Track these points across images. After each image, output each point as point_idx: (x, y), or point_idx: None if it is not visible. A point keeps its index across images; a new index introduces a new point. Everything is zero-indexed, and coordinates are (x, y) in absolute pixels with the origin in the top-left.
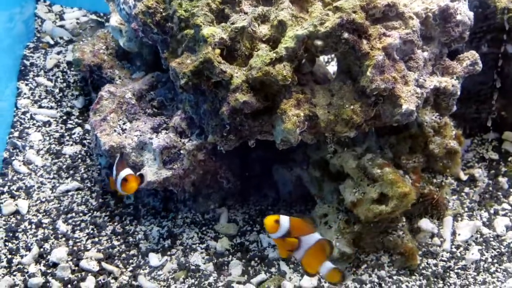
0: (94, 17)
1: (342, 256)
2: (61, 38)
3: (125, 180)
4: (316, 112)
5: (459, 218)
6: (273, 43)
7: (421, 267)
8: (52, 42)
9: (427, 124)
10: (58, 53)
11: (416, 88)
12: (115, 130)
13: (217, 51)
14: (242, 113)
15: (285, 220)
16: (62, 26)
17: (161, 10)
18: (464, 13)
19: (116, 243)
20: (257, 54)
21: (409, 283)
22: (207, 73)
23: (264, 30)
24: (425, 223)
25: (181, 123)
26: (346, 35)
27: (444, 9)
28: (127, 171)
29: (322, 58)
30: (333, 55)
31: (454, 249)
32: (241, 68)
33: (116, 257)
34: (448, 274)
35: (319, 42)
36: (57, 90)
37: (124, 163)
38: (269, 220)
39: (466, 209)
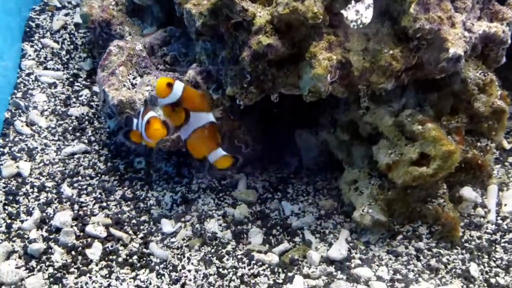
0: None
1: (375, 224)
2: (69, 2)
3: (148, 123)
4: (350, 59)
5: (505, 188)
6: None
7: (463, 240)
8: (59, 6)
9: (471, 80)
10: (66, 15)
11: (464, 32)
12: (124, 85)
13: None
14: (265, 60)
15: (179, 86)
16: None
17: None
18: None
19: (125, 208)
20: None
21: (450, 256)
22: (226, 12)
23: None
24: (468, 192)
25: (196, 76)
26: None
27: None
28: (151, 113)
29: None
30: None
31: (500, 221)
32: (264, 8)
33: (125, 223)
34: (493, 248)
35: None
36: (63, 52)
37: (149, 109)
38: (161, 82)
39: (511, 178)
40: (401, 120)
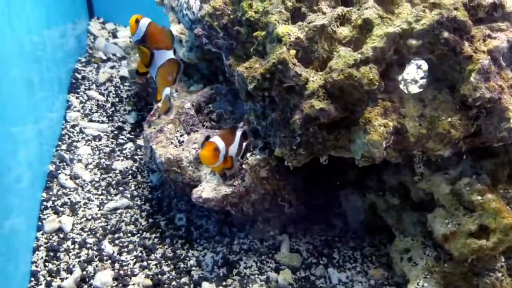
0: None
1: None
2: (114, 55)
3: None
4: (405, 125)
5: None
6: (354, 47)
7: None
8: (104, 58)
9: None
10: (112, 67)
11: None
12: (171, 142)
13: (292, 52)
14: (316, 123)
15: (145, 21)
16: (115, 44)
17: (229, 12)
18: None
19: (166, 268)
20: (339, 55)
21: None
22: (279, 77)
23: (344, 31)
24: None
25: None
26: (445, 34)
27: None
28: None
29: None
30: None
31: None
32: (317, 72)
33: (165, 285)
34: None
35: (413, 42)
36: (109, 105)
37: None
38: (131, 18)
39: None
40: (459, 188)
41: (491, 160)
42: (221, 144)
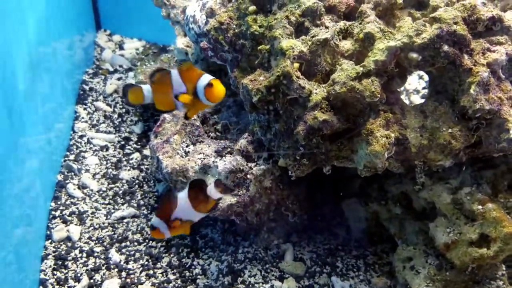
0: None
1: None
2: (120, 66)
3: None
4: (407, 135)
5: None
6: (356, 60)
7: None
8: (111, 69)
9: None
10: (119, 79)
11: None
12: (177, 153)
13: (296, 65)
14: (319, 134)
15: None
16: (121, 55)
17: (234, 26)
18: None
19: (171, 277)
20: (341, 68)
21: None
22: (283, 89)
23: (346, 45)
24: None
25: (247, 146)
26: (446, 47)
27: None
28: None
29: None
30: None
31: None
32: (320, 85)
33: None
34: None
35: (414, 55)
36: (115, 116)
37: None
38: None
39: None
40: (460, 198)
41: (491, 170)
42: (156, 221)
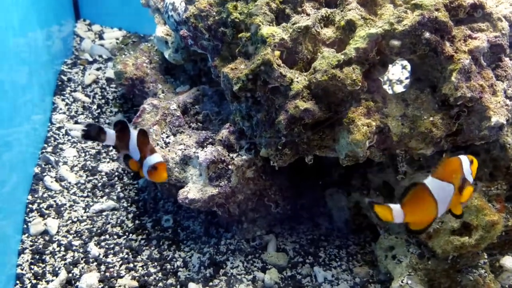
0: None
1: None
2: (100, 56)
3: (154, 168)
4: (388, 124)
5: None
6: (338, 47)
7: None
8: (91, 59)
9: (510, 146)
10: (98, 69)
11: (506, 100)
12: (157, 144)
13: (277, 53)
14: (301, 124)
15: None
16: (101, 45)
17: (214, 13)
18: None
19: (152, 270)
20: (323, 56)
21: None
22: (264, 77)
23: (328, 33)
24: (509, 262)
25: (229, 136)
26: (427, 34)
27: None
28: (158, 157)
29: None
30: None
31: None
32: (301, 73)
33: (152, 286)
34: None
35: (395, 43)
36: (94, 106)
37: (148, 141)
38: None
39: None
40: None
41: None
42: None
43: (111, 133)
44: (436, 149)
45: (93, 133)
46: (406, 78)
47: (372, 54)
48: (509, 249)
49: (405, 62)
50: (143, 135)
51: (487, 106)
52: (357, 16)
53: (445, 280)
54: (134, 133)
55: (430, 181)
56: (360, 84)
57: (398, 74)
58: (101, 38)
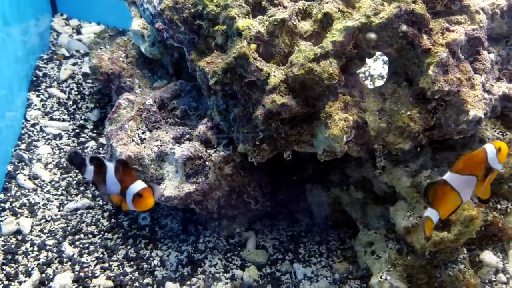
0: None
1: None
2: (77, 51)
3: (139, 195)
4: (366, 119)
5: None
6: (316, 41)
7: None
8: (67, 55)
9: (489, 140)
10: (74, 64)
11: (484, 93)
12: (133, 140)
13: (253, 46)
14: (278, 119)
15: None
16: (79, 40)
17: (190, 5)
18: None
19: (128, 269)
20: (299, 49)
21: None
22: (240, 71)
23: (305, 26)
24: (489, 256)
25: (206, 132)
26: (404, 27)
27: None
28: (141, 184)
29: None
30: None
31: None
32: (278, 67)
33: (128, 286)
34: None
35: (372, 36)
36: (70, 102)
37: (130, 171)
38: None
39: None
40: (419, 181)
41: (452, 152)
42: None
43: (90, 168)
44: (414, 144)
45: (76, 162)
46: (384, 71)
47: (349, 48)
48: (489, 244)
49: (383, 56)
50: (124, 165)
51: (464, 100)
52: (334, 9)
53: (424, 275)
54: (111, 166)
55: (449, 177)
56: (337, 78)
57: (375, 67)
58: (79, 32)
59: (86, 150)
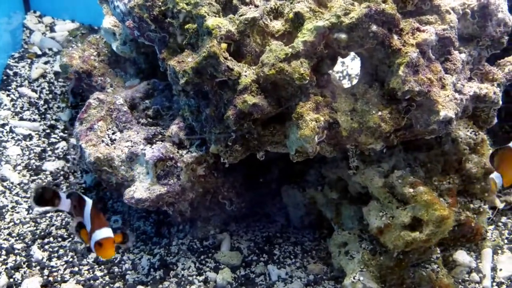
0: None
1: None
2: (50, 49)
3: (99, 244)
4: (338, 119)
5: (499, 251)
6: (287, 41)
7: None
8: (40, 53)
9: (462, 140)
10: (45, 63)
11: (455, 93)
12: (102, 141)
13: (223, 45)
14: (250, 119)
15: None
16: (52, 38)
17: (160, 3)
18: (506, 12)
19: (98, 273)
20: (270, 49)
21: None
22: (211, 71)
23: (277, 25)
24: (462, 256)
25: (178, 132)
26: (374, 27)
27: (484, 4)
28: (105, 232)
29: None
30: None
31: (495, 287)
32: (250, 67)
33: None
34: None
35: (342, 36)
36: (41, 102)
37: (101, 214)
38: None
39: (505, 240)
40: (392, 181)
41: (425, 153)
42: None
43: (67, 201)
44: (386, 144)
45: (46, 196)
46: (355, 72)
47: (320, 48)
48: (462, 244)
49: (355, 56)
50: (95, 207)
51: (435, 100)
52: (305, 9)
53: (397, 275)
54: (89, 202)
55: None
56: (308, 78)
57: (347, 68)
58: (52, 30)
59: (56, 151)
